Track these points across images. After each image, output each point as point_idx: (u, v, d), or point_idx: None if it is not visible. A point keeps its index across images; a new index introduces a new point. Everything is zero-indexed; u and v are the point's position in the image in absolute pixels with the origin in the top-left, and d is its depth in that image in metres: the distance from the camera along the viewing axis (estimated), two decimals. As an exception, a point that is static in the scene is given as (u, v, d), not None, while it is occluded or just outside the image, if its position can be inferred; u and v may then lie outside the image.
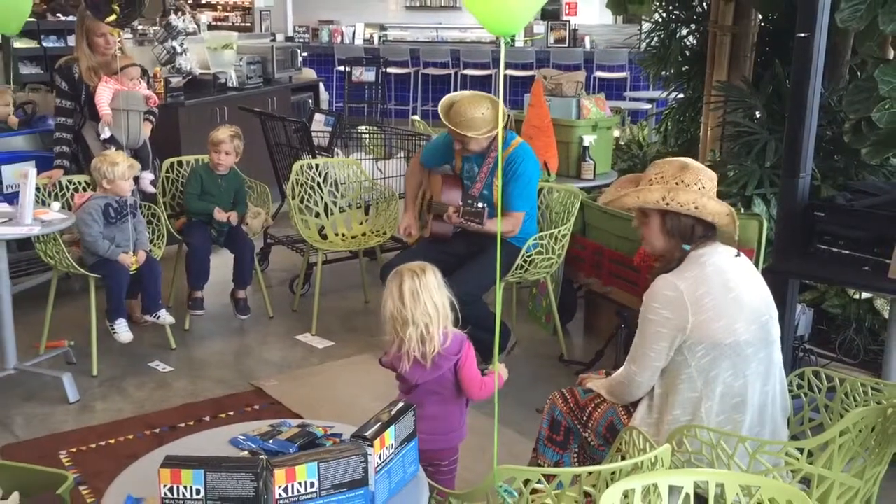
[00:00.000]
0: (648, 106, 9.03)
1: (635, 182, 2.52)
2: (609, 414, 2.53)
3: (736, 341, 2.30)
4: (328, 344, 4.55)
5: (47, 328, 4.32)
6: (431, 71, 12.16)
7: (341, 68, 12.25)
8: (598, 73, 11.26)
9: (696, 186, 2.36)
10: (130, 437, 3.48)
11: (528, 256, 4.01)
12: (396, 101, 12.31)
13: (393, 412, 2.08)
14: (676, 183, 2.37)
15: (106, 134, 4.47)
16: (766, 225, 3.92)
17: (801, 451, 2.22)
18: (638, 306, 3.93)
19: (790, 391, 2.53)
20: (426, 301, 2.44)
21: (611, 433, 2.50)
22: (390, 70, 12.13)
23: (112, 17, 3.71)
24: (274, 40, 10.05)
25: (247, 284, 4.79)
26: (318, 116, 5.69)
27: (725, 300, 2.31)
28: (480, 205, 3.82)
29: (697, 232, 2.39)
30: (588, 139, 4.85)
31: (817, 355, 3.84)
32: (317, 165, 5.01)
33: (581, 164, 4.88)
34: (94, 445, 3.40)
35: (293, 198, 4.79)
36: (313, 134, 5.50)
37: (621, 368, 2.49)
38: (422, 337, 2.44)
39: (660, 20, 5.71)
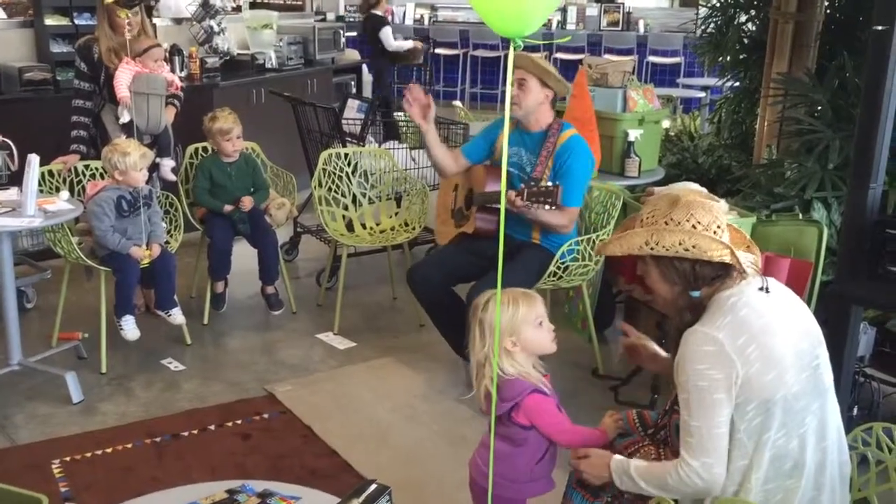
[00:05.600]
0: (702, 94, 8.60)
1: (629, 224, 2.20)
2: None
3: (786, 395, 1.94)
4: (350, 345, 4.32)
5: (59, 319, 4.17)
6: (481, 53, 11.83)
7: (390, 48, 11.97)
8: (651, 58, 10.85)
9: (687, 224, 2.01)
10: (129, 445, 3.28)
11: (563, 263, 3.71)
12: (445, 83, 12.02)
13: (362, 498, 1.77)
14: (666, 222, 2.03)
15: (125, 118, 4.26)
16: (826, 232, 3.59)
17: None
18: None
19: (854, 447, 2.16)
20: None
21: None
22: (439, 51, 11.86)
23: (113, -2, 3.48)
24: (324, 20, 9.82)
25: (274, 280, 4.58)
26: (351, 102, 5.45)
27: (771, 348, 1.95)
28: (550, 183, 3.44)
29: (703, 274, 2.03)
30: (634, 134, 4.50)
31: (879, 381, 3.48)
32: (346, 154, 4.76)
33: (625, 161, 4.54)
34: (89, 454, 3.21)
35: (319, 186, 4.55)
36: (348, 121, 5.26)
37: (674, 467, 1.99)
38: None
39: (717, 5, 5.34)
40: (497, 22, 1.58)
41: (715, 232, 2.03)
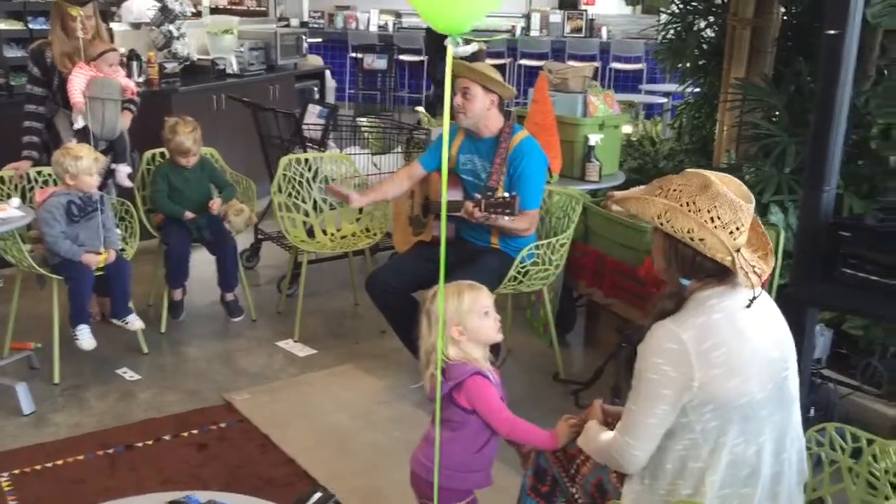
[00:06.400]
0: (664, 100, 8.67)
1: (660, 186, 2.09)
2: (598, 471, 2.18)
3: (749, 402, 1.92)
4: (310, 352, 4.27)
5: (11, 328, 4.06)
6: (445, 59, 11.82)
7: (355, 55, 11.96)
8: (614, 65, 10.93)
9: (707, 215, 1.93)
10: (81, 457, 3.20)
11: (523, 268, 3.70)
12: (410, 89, 12.00)
13: None
14: (686, 204, 1.95)
15: (79, 124, 4.18)
16: (783, 235, 3.61)
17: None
18: (641, 321, 3.67)
19: (809, 448, 2.15)
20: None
21: (600, 493, 2.16)
22: (403, 58, 11.83)
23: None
24: (288, 25, 9.74)
25: (233, 287, 4.52)
26: (311, 108, 5.39)
27: (740, 354, 1.92)
28: (507, 194, 3.44)
29: (702, 267, 1.97)
30: (594, 138, 4.52)
31: (836, 382, 3.50)
32: (306, 160, 4.71)
33: (586, 165, 4.55)
34: (39, 467, 3.13)
35: (279, 192, 4.50)
36: (308, 126, 5.21)
37: (612, 436, 2.06)
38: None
39: (677, 11, 5.36)
40: (434, 18, 1.56)
41: (732, 233, 1.93)
